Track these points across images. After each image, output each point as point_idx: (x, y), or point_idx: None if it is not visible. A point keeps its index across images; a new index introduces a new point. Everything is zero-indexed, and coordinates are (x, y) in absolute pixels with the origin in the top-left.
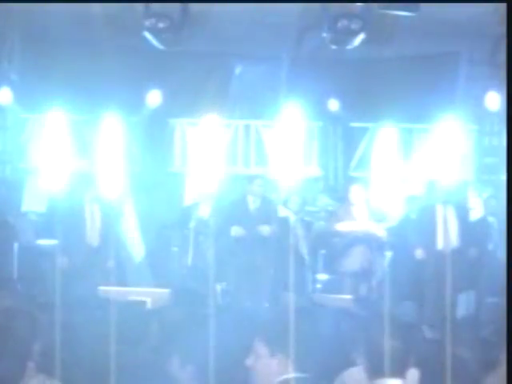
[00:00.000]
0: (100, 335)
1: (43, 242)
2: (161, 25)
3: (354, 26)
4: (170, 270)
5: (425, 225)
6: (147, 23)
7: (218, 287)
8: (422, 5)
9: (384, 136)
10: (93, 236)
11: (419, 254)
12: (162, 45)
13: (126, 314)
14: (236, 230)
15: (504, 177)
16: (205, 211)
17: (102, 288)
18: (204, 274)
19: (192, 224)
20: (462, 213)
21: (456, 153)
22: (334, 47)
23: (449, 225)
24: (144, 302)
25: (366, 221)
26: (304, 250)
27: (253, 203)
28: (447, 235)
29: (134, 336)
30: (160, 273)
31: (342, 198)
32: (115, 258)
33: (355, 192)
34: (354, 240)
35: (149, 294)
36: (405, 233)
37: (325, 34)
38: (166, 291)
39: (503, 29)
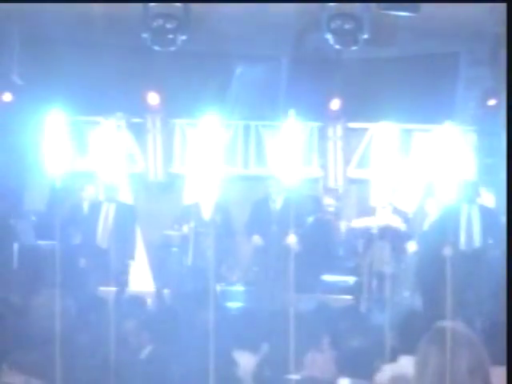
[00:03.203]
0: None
1: (43, 242)
2: (161, 25)
3: (354, 26)
4: (170, 270)
5: (449, 224)
6: (147, 23)
7: (218, 287)
8: (422, 5)
9: (384, 136)
10: (104, 237)
11: (444, 252)
12: (163, 45)
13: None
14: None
15: (504, 177)
16: (205, 211)
17: (102, 288)
18: (204, 274)
19: (192, 224)
20: (486, 213)
21: (456, 153)
22: (333, 47)
23: (473, 224)
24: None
25: (388, 218)
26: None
27: (273, 203)
28: (470, 235)
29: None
30: (160, 273)
31: (342, 199)
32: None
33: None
34: (374, 238)
35: (149, 294)
36: (427, 232)
37: (324, 35)
38: (165, 291)
39: (503, 29)
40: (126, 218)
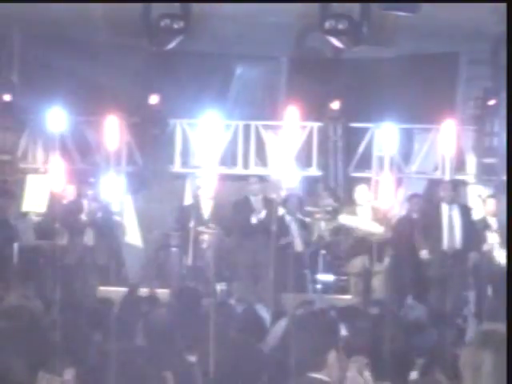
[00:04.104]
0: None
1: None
2: (161, 25)
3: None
4: (170, 270)
5: (429, 224)
6: (147, 24)
7: (218, 287)
8: (422, 5)
9: (384, 136)
10: (90, 235)
11: (424, 254)
12: (163, 45)
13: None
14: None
15: (504, 177)
16: (205, 211)
17: (101, 288)
18: (204, 273)
19: (192, 224)
20: (466, 213)
21: (456, 153)
22: (334, 48)
23: (454, 224)
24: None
25: (369, 220)
26: (302, 250)
27: (255, 203)
28: (452, 235)
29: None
30: (160, 273)
31: (342, 198)
32: (115, 258)
33: (360, 192)
34: (356, 240)
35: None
36: (408, 232)
37: (324, 35)
38: (165, 291)
39: (503, 29)
40: (107, 218)
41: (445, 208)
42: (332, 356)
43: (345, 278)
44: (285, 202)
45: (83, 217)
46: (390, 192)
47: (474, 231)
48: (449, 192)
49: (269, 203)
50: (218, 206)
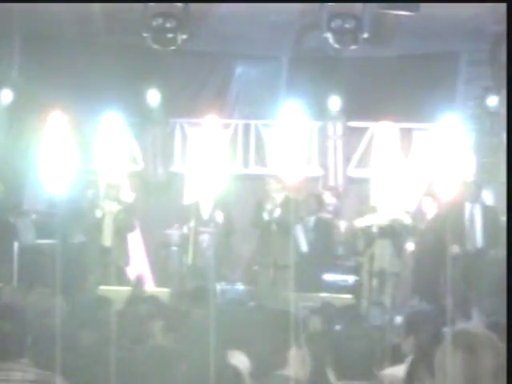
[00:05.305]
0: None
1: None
2: (161, 25)
3: (355, 25)
4: (170, 270)
5: (451, 223)
6: (148, 23)
7: (218, 286)
8: (422, 5)
9: (384, 135)
10: (107, 235)
11: (447, 251)
12: (163, 45)
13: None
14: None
15: (504, 177)
16: (205, 210)
17: (102, 288)
18: (204, 273)
19: (192, 223)
20: (488, 212)
21: (456, 152)
22: (334, 47)
23: (475, 223)
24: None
25: (390, 216)
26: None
27: (273, 203)
28: (473, 234)
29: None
30: (160, 273)
31: (342, 198)
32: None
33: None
34: (374, 237)
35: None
36: (429, 230)
37: (324, 34)
38: (166, 291)
39: (503, 29)
40: (126, 217)
41: (467, 207)
42: (293, 353)
43: (346, 277)
44: (302, 203)
45: (100, 217)
46: (390, 191)
47: (494, 230)
48: (472, 191)
49: (287, 203)
50: (218, 205)
